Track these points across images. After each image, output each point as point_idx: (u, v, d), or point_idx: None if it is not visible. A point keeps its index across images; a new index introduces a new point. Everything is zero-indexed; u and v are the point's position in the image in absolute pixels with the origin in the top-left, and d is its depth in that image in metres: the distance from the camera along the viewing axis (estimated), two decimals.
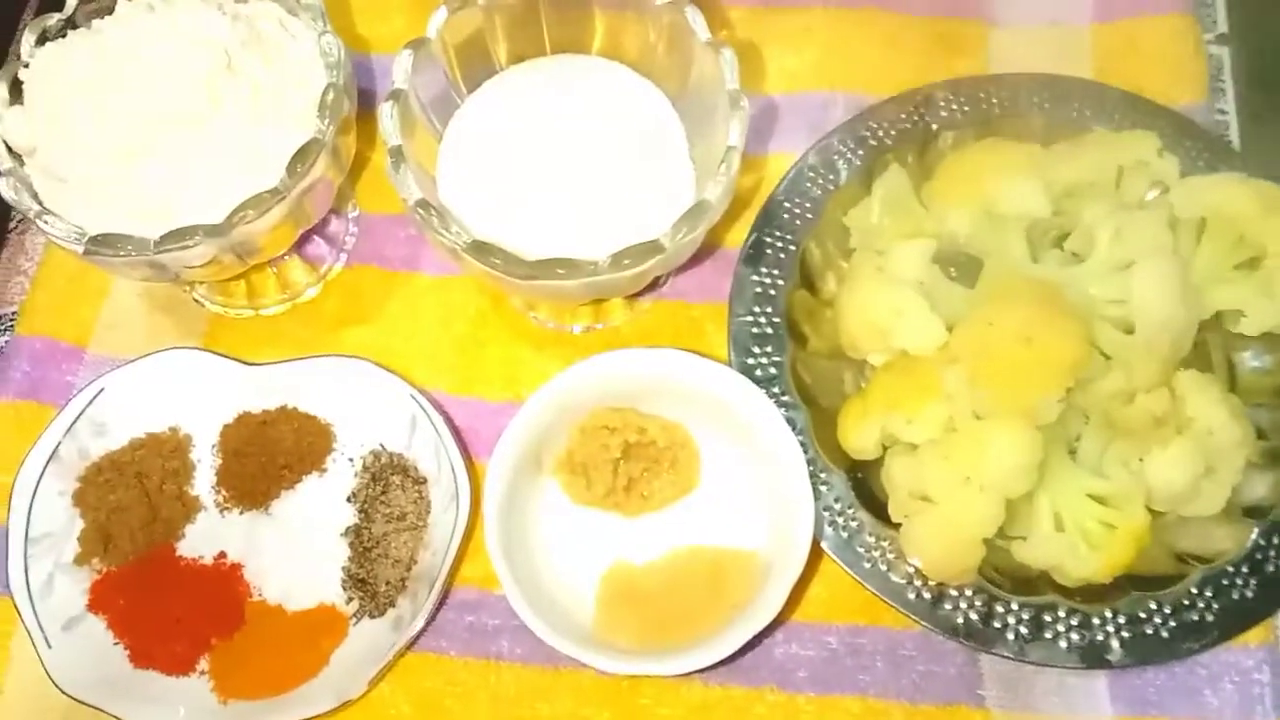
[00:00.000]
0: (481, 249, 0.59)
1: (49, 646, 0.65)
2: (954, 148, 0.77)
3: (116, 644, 0.67)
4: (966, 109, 0.78)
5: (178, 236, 0.60)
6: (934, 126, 0.77)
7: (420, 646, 0.67)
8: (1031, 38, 0.84)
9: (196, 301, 0.76)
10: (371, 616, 0.67)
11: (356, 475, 0.70)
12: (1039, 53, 0.84)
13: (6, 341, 0.75)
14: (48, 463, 0.69)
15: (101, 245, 0.60)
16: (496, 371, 0.74)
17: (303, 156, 0.61)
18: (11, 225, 0.80)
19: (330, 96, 0.62)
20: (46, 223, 0.61)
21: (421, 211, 0.60)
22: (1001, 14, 0.85)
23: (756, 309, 0.72)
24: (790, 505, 0.63)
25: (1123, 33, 0.84)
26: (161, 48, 0.61)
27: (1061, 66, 0.81)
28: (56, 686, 0.64)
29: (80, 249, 0.60)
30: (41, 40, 0.64)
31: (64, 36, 0.65)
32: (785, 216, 0.74)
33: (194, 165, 0.62)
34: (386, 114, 0.62)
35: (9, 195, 0.61)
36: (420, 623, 0.64)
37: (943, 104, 0.78)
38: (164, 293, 0.76)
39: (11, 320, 0.77)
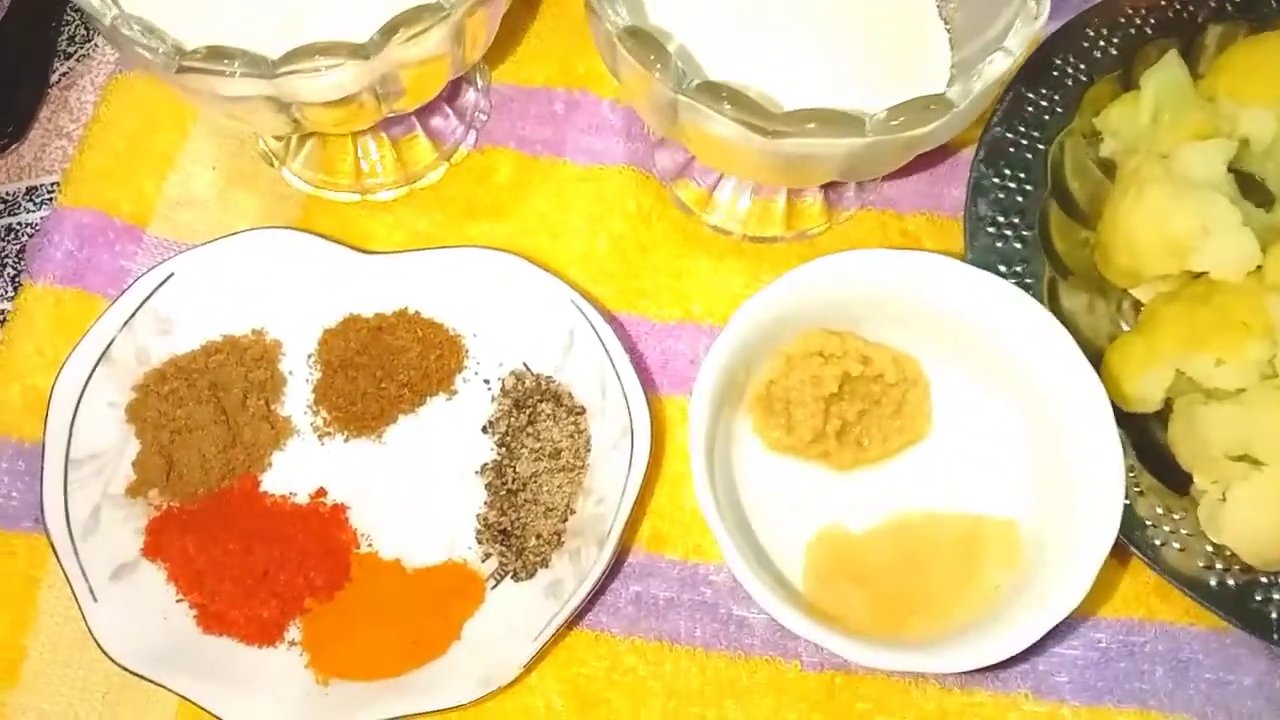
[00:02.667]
0: (715, 94, 0.44)
1: (94, 599, 0.50)
2: (1221, 45, 0.62)
3: (180, 601, 0.51)
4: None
5: (307, 54, 0.44)
6: (1200, 18, 0.63)
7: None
8: None
9: (287, 180, 0.60)
10: (516, 578, 0.52)
11: (494, 400, 0.55)
12: None
13: (45, 217, 0.59)
14: (97, 364, 0.53)
15: (202, 61, 0.45)
16: (663, 284, 0.59)
17: None
18: (54, 79, 0.64)
19: None
20: (126, 30, 0.45)
21: (631, 43, 0.45)
22: None
23: (1001, 218, 0.58)
24: (1079, 465, 0.49)
25: None
26: None
27: None
28: (103, 651, 0.49)
29: (171, 66, 0.45)
30: None
31: None
32: (1030, 110, 0.60)
33: None
34: None
35: None
36: (588, 587, 0.49)
37: None
38: (246, 168, 0.61)
39: (51, 193, 0.62)
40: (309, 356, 0.56)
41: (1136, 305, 0.57)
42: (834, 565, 0.52)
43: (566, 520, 0.52)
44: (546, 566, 0.52)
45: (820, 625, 0.46)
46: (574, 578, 0.50)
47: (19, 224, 0.61)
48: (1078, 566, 0.47)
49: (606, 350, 0.53)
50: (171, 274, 0.54)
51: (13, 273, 0.60)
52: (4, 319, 0.58)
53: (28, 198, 0.62)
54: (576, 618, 0.51)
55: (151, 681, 0.48)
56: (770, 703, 0.51)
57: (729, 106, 0.44)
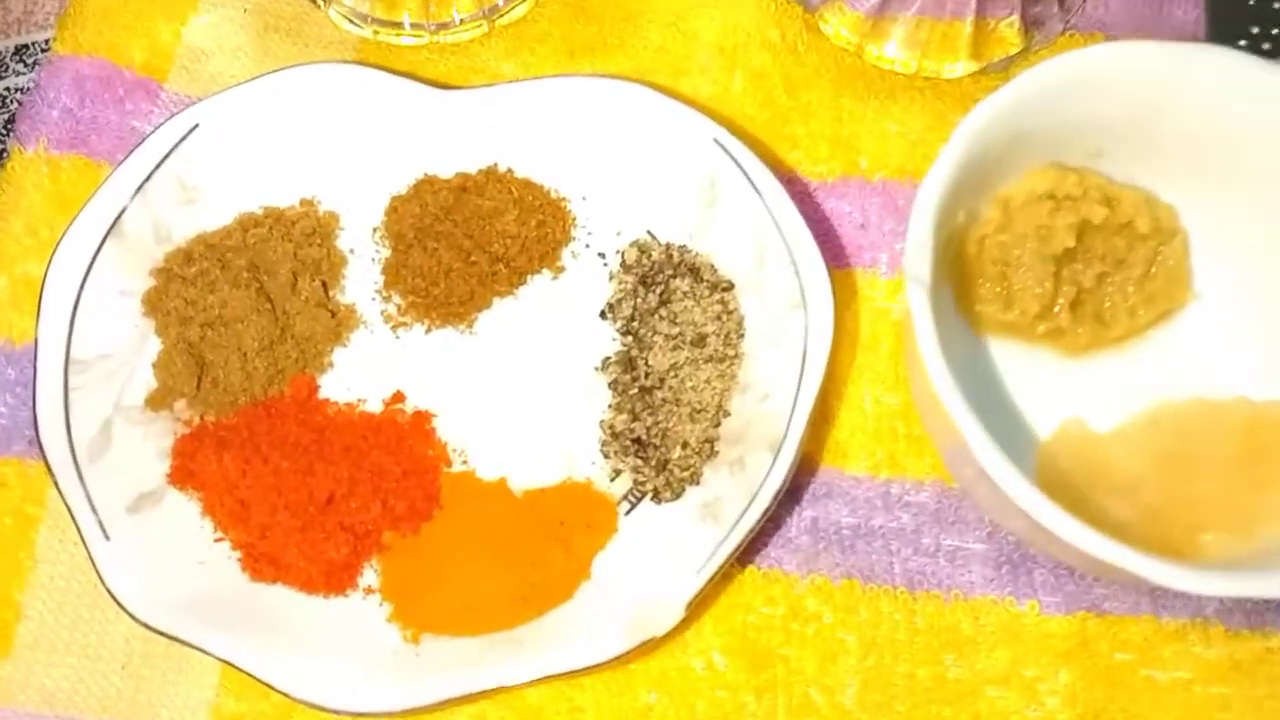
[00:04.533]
0: None
1: (105, 538, 0.38)
2: None
3: (220, 540, 0.39)
4: None
5: None
6: None
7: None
8: None
9: (336, 22, 0.48)
10: (658, 499, 0.39)
11: (614, 278, 0.43)
12: None
13: (40, 72, 0.47)
14: (104, 241, 0.41)
15: None
16: (819, 131, 0.46)
17: None
18: None
19: None
20: None
21: None
22: None
23: (1255, 29, 0.45)
24: None
25: None
26: None
27: None
28: (119, 606, 0.37)
29: None
30: None
31: None
32: None
33: None
34: None
35: None
36: (765, 502, 0.36)
37: None
38: (285, 9, 0.48)
39: (45, 49, 0.50)
40: (374, 230, 0.44)
41: None
42: (1081, 473, 0.39)
43: (719, 424, 0.40)
44: (697, 483, 0.39)
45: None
46: (740, 494, 0.37)
47: (7, 89, 0.49)
48: None
49: (765, 202, 0.40)
50: (195, 126, 0.42)
51: (1, 148, 0.48)
52: None
53: (16, 58, 0.50)
54: (755, 549, 0.38)
55: (185, 644, 0.37)
56: (1003, 656, 0.38)
57: None
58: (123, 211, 0.41)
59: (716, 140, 0.41)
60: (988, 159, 0.38)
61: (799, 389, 0.38)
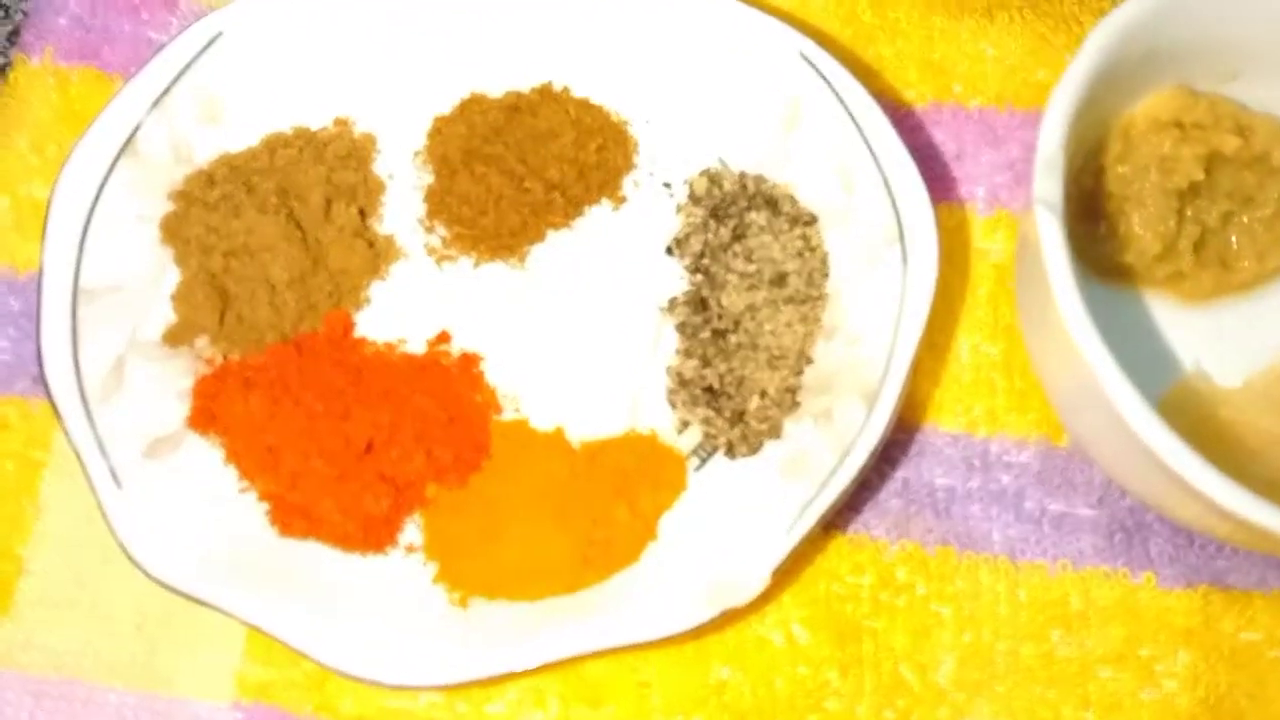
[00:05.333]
0: None
1: (117, 486, 0.34)
2: None
3: (245, 490, 0.35)
4: None
5: None
6: None
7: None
8: None
9: None
10: (732, 454, 0.35)
11: (681, 210, 0.38)
12: None
13: None
14: (117, 160, 0.37)
15: None
16: (908, 53, 0.42)
17: None
18: None
19: None
20: None
21: None
22: None
23: None
24: None
25: None
26: None
27: None
28: (132, 562, 0.33)
29: None
30: None
31: None
32: None
33: None
34: None
35: None
36: (861, 457, 0.33)
37: None
38: None
39: None
40: (416, 154, 0.39)
41: None
42: (1207, 430, 0.35)
43: (801, 371, 0.36)
44: (776, 436, 0.35)
45: None
46: (829, 448, 0.33)
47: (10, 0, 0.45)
48: None
49: (858, 125, 0.36)
50: (218, 34, 0.38)
51: (2, 61, 0.44)
52: None
53: None
54: (844, 513, 0.34)
55: (206, 604, 0.33)
56: (1116, 633, 0.35)
57: None
58: (138, 128, 0.37)
59: (802, 54, 0.37)
60: (1116, 76, 0.33)
61: (897, 332, 0.34)
